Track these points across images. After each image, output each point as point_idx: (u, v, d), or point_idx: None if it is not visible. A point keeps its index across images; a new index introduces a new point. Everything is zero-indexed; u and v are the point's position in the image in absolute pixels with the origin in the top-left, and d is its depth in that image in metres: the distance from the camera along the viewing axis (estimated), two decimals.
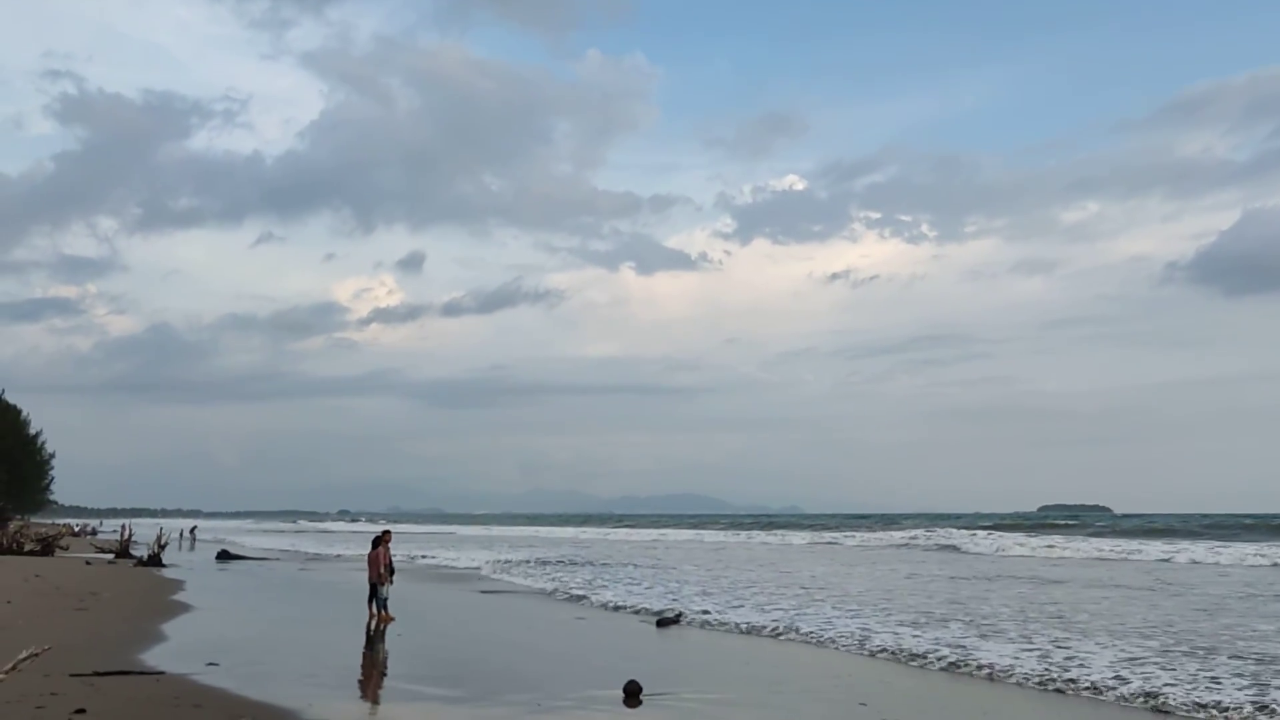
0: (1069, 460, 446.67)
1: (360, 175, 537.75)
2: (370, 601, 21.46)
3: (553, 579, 33.02)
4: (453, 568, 39.22)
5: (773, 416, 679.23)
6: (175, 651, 15.45)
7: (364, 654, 16.55)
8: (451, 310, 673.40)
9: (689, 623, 20.31)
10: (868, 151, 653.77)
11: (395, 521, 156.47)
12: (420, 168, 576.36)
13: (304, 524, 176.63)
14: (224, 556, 45.71)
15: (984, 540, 56.89)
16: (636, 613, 22.21)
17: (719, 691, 12.88)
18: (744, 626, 19.58)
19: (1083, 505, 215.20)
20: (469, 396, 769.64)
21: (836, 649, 16.72)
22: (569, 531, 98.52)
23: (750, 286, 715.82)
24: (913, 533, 69.23)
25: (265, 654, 15.70)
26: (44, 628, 17.11)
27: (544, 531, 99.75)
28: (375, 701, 12.41)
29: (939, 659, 15.33)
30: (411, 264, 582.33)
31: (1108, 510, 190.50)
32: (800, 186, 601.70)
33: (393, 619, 20.56)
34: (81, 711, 9.83)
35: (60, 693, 10.91)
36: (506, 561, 42.95)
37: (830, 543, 66.54)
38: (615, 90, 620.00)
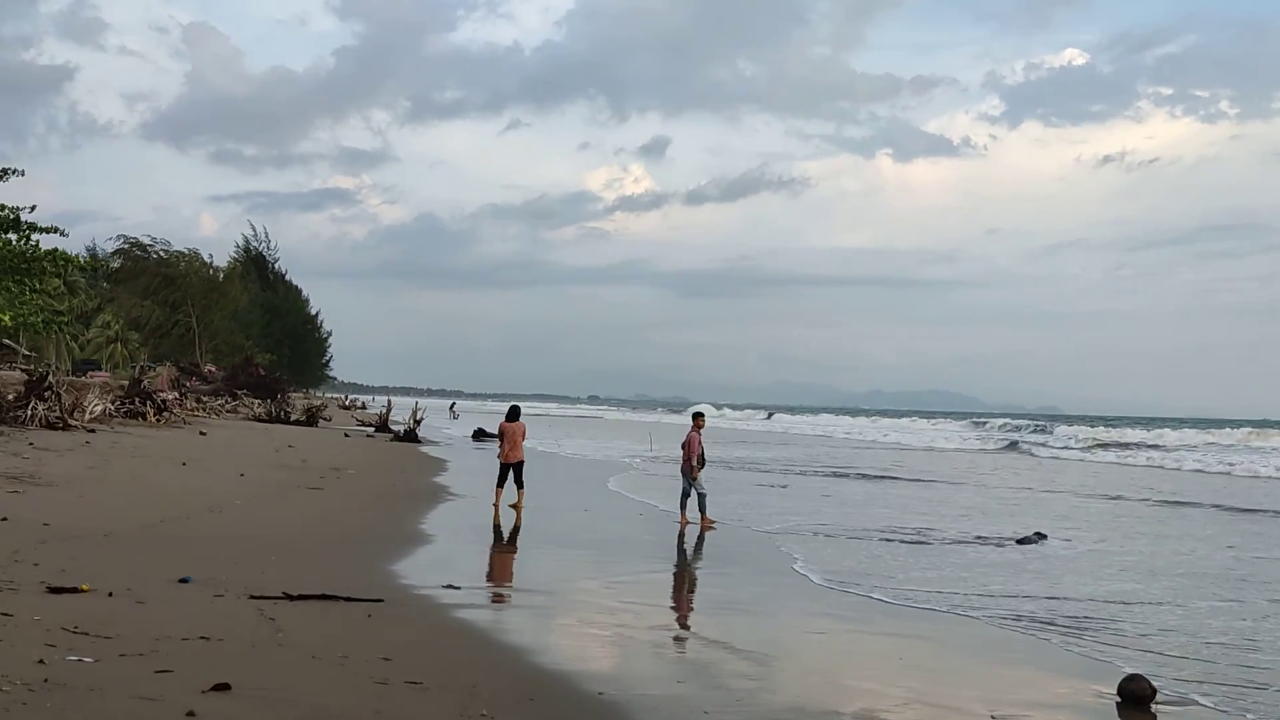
0: None
1: (615, 63, 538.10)
2: (501, 485, 16.44)
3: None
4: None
5: (1033, 312, 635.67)
6: (417, 560, 11.25)
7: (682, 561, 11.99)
8: (694, 199, 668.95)
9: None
10: (1162, 19, 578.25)
11: (637, 409, 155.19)
12: (674, 54, 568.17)
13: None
14: (480, 435, 43.74)
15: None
16: (986, 541, 16.62)
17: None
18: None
19: None
20: (716, 286, 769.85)
21: None
22: (826, 422, 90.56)
23: (1017, 172, 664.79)
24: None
25: (532, 566, 11.50)
26: (262, 513, 13.72)
27: (804, 421, 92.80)
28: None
29: None
30: (656, 150, 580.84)
31: None
32: (1080, 61, 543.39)
33: (714, 525, 15.97)
34: (225, 687, 5.59)
35: (236, 617, 6.86)
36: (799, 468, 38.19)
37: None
38: None
